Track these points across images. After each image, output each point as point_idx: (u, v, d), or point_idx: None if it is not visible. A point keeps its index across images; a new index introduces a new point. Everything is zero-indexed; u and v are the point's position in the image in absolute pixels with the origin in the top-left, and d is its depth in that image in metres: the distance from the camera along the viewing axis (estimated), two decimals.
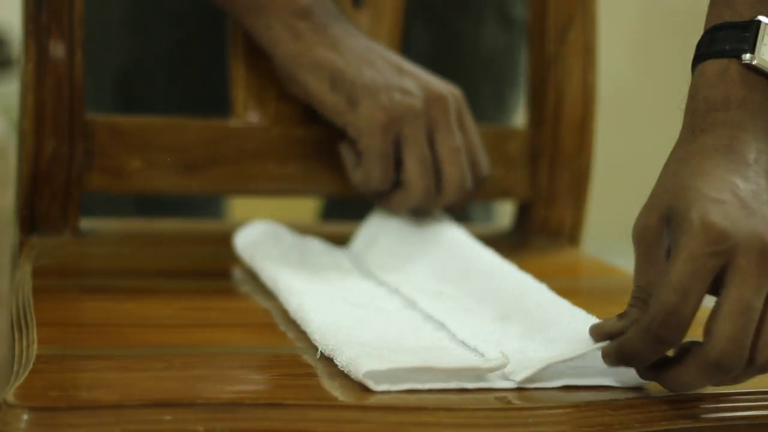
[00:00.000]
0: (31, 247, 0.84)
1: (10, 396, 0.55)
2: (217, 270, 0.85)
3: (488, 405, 0.59)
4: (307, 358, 0.65)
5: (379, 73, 0.83)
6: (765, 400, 0.63)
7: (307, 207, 1.29)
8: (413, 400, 0.59)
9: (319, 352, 0.65)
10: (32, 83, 0.84)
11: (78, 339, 0.67)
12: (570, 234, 0.98)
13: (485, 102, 1.07)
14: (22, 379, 0.58)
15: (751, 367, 0.60)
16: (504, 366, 0.62)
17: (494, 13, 1.06)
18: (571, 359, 0.62)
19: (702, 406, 0.61)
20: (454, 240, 0.85)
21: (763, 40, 0.67)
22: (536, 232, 0.97)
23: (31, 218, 0.86)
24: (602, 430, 0.59)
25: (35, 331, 0.65)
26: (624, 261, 1.16)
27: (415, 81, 0.84)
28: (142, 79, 1.07)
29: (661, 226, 0.64)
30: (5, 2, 1.66)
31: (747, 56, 0.67)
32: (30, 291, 0.73)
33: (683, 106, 0.69)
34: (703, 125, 0.68)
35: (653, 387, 0.62)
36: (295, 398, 0.58)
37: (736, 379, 0.61)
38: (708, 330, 0.59)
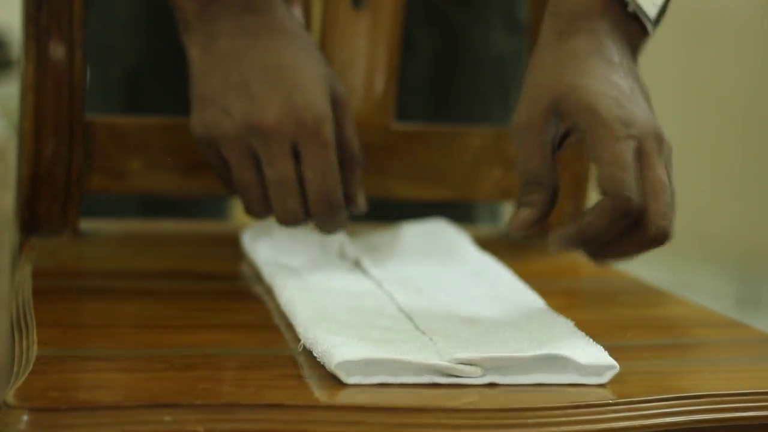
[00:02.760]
0: (31, 248, 0.84)
1: (10, 397, 0.55)
2: (218, 271, 0.85)
3: (488, 406, 0.59)
4: (307, 359, 0.65)
5: (221, 85, 0.78)
6: (765, 400, 0.63)
7: None
8: (413, 401, 0.59)
9: (301, 344, 0.65)
10: (32, 84, 0.85)
11: (78, 340, 0.67)
12: None
13: (492, 105, 1.07)
14: (22, 380, 0.58)
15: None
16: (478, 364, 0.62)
17: (501, 16, 1.06)
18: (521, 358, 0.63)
19: (702, 407, 0.61)
20: (450, 246, 0.86)
21: None
22: (536, 232, 0.97)
23: (31, 219, 0.86)
24: (602, 430, 0.59)
25: (35, 332, 0.66)
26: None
27: (253, 101, 0.77)
28: (151, 80, 1.07)
29: (547, 118, 0.73)
30: (5, 3, 1.66)
31: None
32: (30, 292, 0.73)
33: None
34: (570, 30, 0.76)
35: (633, 383, 0.62)
36: (294, 399, 0.59)
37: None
38: (646, 208, 0.67)
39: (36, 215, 0.86)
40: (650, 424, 0.60)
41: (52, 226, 0.86)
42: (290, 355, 0.67)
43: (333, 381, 0.61)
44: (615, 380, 0.63)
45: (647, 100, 0.76)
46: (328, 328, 0.66)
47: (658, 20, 0.81)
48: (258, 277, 0.81)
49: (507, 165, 0.95)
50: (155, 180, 0.89)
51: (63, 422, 0.54)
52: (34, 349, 0.63)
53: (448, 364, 0.62)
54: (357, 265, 0.84)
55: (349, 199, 0.84)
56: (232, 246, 0.88)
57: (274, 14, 0.79)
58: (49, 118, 0.85)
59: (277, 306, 0.74)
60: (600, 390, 0.62)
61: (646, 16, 0.79)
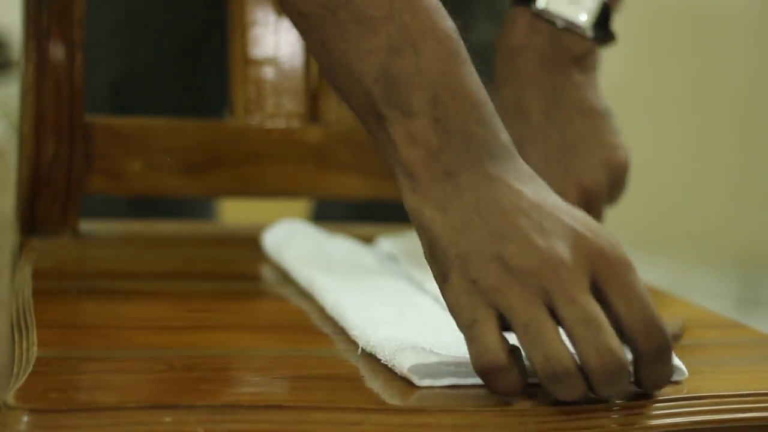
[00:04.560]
0: (31, 248, 0.84)
1: (10, 398, 0.55)
2: (217, 272, 0.85)
3: (488, 407, 0.59)
4: (307, 360, 0.65)
5: (485, 236, 0.62)
6: (765, 401, 0.63)
7: (297, 208, 1.29)
8: (413, 402, 0.59)
9: (360, 348, 0.65)
10: (32, 86, 0.85)
11: (78, 341, 0.67)
12: None
13: None
14: (22, 380, 0.58)
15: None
16: None
17: (483, 7, 1.06)
18: None
19: (702, 408, 0.61)
20: None
21: None
22: None
23: (31, 220, 0.86)
24: (602, 431, 0.59)
25: (35, 332, 0.66)
26: None
27: (531, 241, 0.61)
28: (137, 85, 1.07)
29: None
30: (5, 4, 1.66)
31: (534, 5, 0.84)
32: (30, 293, 0.73)
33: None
34: (501, 79, 0.84)
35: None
36: (294, 400, 0.59)
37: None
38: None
39: (36, 216, 0.86)
40: (650, 425, 0.60)
41: (52, 227, 0.87)
42: (290, 356, 0.67)
43: (333, 382, 0.61)
44: None
45: (569, 141, 0.84)
46: (390, 331, 0.65)
47: (602, 22, 0.85)
48: (288, 275, 0.81)
49: None
50: (155, 181, 0.89)
51: (63, 423, 0.54)
52: (35, 350, 0.63)
53: None
54: (392, 265, 0.84)
55: None
56: (231, 247, 0.88)
57: (515, 161, 0.65)
58: (49, 120, 0.85)
59: (278, 306, 0.74)
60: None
61: (577, 26, 0.84)
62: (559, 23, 0.84)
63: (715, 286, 2.50)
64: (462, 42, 0.66)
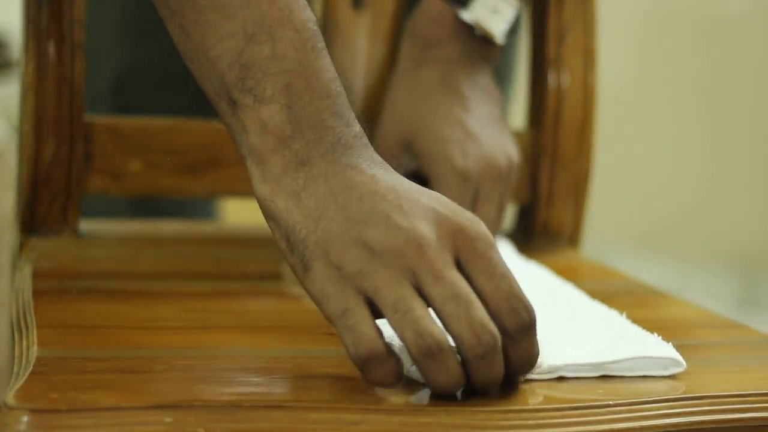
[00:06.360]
0: (31, 248, 0.84)
1: (10, 398, 0.55)
2: (217, 272, 0.85)
3: (488, 406, 0.59)
4: (308, 360, 0.65)
5: (341, 222, 0.62)
6: (766, 401, 0.63)
7: None
8: (413, 402, 0.59)
9: None
10: (32, 85, 0.85)
11: (78, 341, 0.67)
12: (570, 236, 0.98)
13: None
14: (22, 381, 0.58)
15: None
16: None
17: None
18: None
19: (702, 408, 0.61)
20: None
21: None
22: (537, 234, 0.97)
23: (31, 220, 0.86)
24: (602, 430, 0.59)
25: (35, 332, 0.66)
26: (623, 262, 1.16)
27: (390, 223, 0.61)
28: (138, 83, 1.07)
29: (399, 157, 0.85)
30: (5, 4, 1.66)
31: (461, 12, 0.87)
32: (30, 293, 0.73)
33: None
34: (422, 59, 0.87)
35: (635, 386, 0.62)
36: (295, 400, 0.59)
37: None
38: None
39: (36, 216, 0.86)
40: (650, 425, 0.60)
41: (52, 227, 0.86)
42: (290, 356, 0.67)
43: (333, 382, 0.61)
44: (614, 381, 0.63)
45: (496, 115, 0.87)
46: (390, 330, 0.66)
47: (513, 28, 0.89)
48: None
49: None
50: (155, 181, 0.89)
51: (63, 423, 0.54)
52: (34, 350, 0.63)
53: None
54: None
55: None
56: (231, 247, 0.88)
57: (367, 149, 0.65)
58: (49, 119, 0.85)
59: (278, 306, 0.74)
60: (600, 391, 0.62)
61: (493, 36, 0.88)
62: (477, 32, 0.88)
63: (716, 286, 2.50)
64: (320, 34, 0.66)
